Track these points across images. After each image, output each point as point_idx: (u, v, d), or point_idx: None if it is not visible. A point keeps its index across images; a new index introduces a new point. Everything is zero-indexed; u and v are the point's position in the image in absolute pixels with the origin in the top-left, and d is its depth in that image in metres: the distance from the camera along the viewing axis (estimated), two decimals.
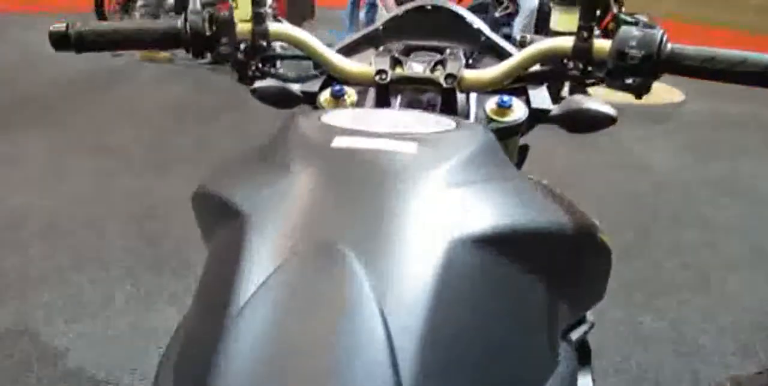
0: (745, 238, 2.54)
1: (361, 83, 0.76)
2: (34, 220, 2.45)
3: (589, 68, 0.67)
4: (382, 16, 0.89)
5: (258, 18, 0.72)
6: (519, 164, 0.86)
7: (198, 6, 0.84)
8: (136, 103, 4.05)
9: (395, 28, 0.86)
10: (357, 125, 0.57)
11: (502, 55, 0.82)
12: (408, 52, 0.82)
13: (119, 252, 2.25)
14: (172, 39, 0.70)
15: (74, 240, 2.32)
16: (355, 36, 0.88)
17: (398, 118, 0.62)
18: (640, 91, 0.64)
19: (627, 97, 0.68)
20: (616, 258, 0.70)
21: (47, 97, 4.05)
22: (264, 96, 0.80)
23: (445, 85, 0.70)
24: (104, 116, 3.75)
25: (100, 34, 0.70)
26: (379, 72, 0.71)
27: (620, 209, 2.72)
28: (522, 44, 0.74)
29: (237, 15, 0.72)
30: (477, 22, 0.86)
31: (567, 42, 0.68)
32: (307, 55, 0.76)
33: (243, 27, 0.73)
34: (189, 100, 4.17)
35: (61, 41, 0.69)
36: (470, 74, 0.72)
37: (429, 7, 0.86)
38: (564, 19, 0.75)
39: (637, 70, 0.61)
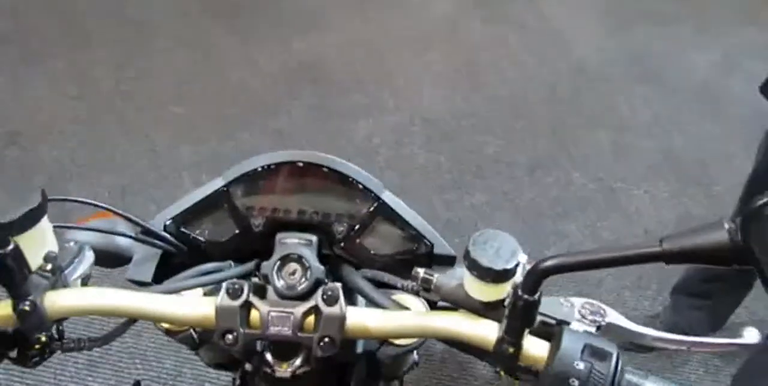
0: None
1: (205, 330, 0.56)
2: None
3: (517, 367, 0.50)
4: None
5: (22, 312, 0.49)
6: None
7: None
8: None
9: (253, 189, 0.63)
10: None
11: (398, 220, 0.63)
12: (272, 228, 0.61)
13: None
14: None
15: None
16: (191, 198, 0.64)
17: None
18: None
19: None
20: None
21: None
22: None
23: (320, 352, 0.51)
24: None
25: None
26: (225, 333, 0.51)
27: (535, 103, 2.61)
28: (426, 286, 0.54)
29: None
30: (367, 180, 0.63)
31: (489, 332, 0.50)
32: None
33: (1, 315, 0.50)
34: None
35: None
36: (355, 321, 0.52)
37: (301, 164, 0.62)
38: (479, 288, 0.55)
39: None
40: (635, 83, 2.81)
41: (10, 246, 0.47)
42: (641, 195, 2.23)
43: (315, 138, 2.40)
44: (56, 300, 0.50)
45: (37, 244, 0.51)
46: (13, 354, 0.52)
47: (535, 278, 0.45)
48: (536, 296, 0.46)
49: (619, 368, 0.46)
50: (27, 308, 0.48)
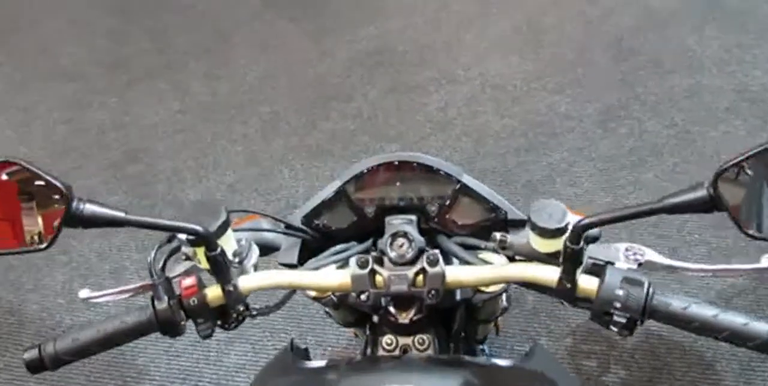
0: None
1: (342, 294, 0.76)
2: None
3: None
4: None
5: (228, 292, 0.69)
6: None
7: (162, 294, 0.69)
8: None
9: (363, 185, 0.82)
10: None
11: (477, 196, 0.80)
12: (382, 212, 0.80)
13: None
14: (146, 330, 0.69)
15: None
16: (318, 198, 0.83)
17: None
18: (623, 334, 0.65)
19: None
20: None
21: None
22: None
23: (429, 301, 0.69)
24: None
25: (72, 352, 0.68)
26: (360, 294, 0.69)
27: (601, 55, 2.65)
28: (502, 245, 0.70)
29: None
30: (449, 168, 0.81)
31: (551, 275, 0.66)
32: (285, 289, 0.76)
33: (214, 295, 0.70)
34: None
35: (37, 367, 0.69)
36: (452, 276, 0.70)
37: (397, 163, 0.81)
38: (541, 243, 0.73)
39: (620, 326, 0.63)
40: (705, 22, 2.78)
41: (219, 249, 0.67)
42: (718, 136, 2.26)
43: (392, 117, 2.57)
44: (246, 282, 0.71)
45: (227, 244, 0.71)
46: (219, 322, 0.73)
47: (578, 233, 0.61)
48: (581, 245, 0.62)
49: (650, 292, 0.61)
50: (231, 289, 0.69)
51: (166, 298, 0.68)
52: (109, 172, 2.50)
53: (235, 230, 0.76)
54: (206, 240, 0.65)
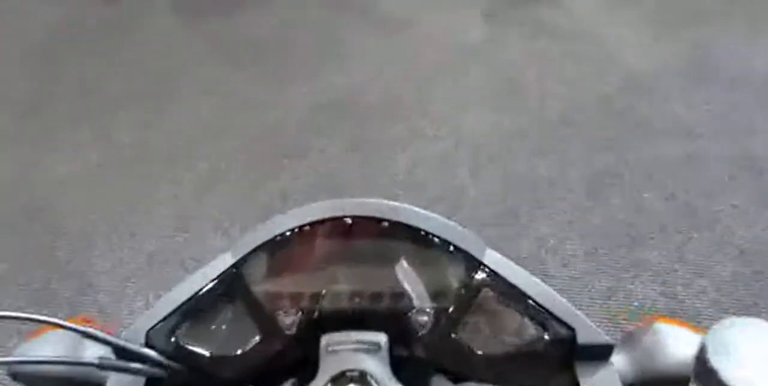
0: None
1: None
2: None
3: None
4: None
5: None
6: None
7: None
8: None
9: (275, 267, 0.40)
10: None
11: (512, 295, 0.41)
12: (313, 327, 0.39)
13: None
14: None
15: None
16: (185, 290, 0.40)
17: None
18: None
19: None
20: None
21: None
22: None
23: None
24: None
25: None
26: None
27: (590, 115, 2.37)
28: None
29: None
30: (458, 236, 0.41)
31: None
32: None
33: None
34: None
35: None
36: None
37: (349, 221, 0.40)
38: None
39: None
40: (694, 87, 2.56)
41: None
42: (725, 210, 1.97)
43: (353, 177, 2.22)
44: None
45: None
46: None
47: None
48: None
49: None
50: None
51: None
52: None
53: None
54: None
